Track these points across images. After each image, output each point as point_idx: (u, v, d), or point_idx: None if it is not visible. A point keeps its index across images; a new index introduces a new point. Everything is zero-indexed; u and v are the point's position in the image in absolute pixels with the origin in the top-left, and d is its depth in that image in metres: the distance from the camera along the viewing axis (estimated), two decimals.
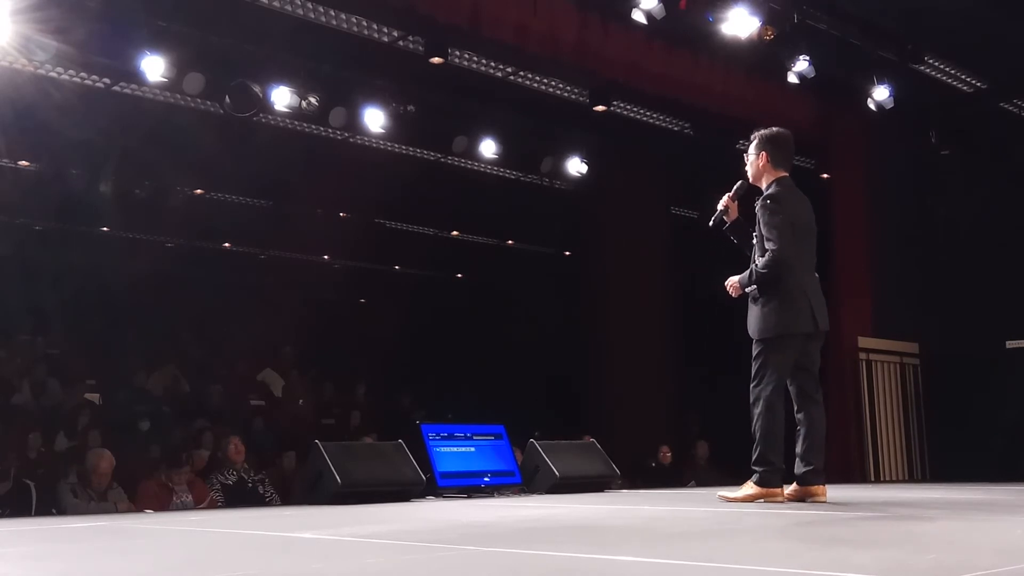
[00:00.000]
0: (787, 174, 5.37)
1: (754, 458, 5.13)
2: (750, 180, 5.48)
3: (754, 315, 5.23)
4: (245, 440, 8.49)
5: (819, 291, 5.29)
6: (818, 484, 5.14)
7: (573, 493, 6.99)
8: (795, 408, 5.26)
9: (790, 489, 5.18)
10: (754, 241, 5.31)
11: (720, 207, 5.55)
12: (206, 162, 10.08)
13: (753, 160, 5.43)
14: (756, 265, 5.20)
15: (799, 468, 5.16)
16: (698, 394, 11.95)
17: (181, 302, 13.01)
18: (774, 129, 5.48)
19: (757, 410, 5.11)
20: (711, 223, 5.61)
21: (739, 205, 5.56)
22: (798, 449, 5.19)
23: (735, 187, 5.56)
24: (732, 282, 5.29)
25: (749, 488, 5.14)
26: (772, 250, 5.11)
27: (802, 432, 5.20)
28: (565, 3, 8.15)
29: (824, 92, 9.59)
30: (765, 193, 5.29)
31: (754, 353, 5.20)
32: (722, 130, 10.04)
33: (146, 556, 3.44)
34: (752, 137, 5.48)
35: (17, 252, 11.56)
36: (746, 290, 5.24)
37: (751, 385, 5.18)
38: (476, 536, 3.67)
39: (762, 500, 5.07)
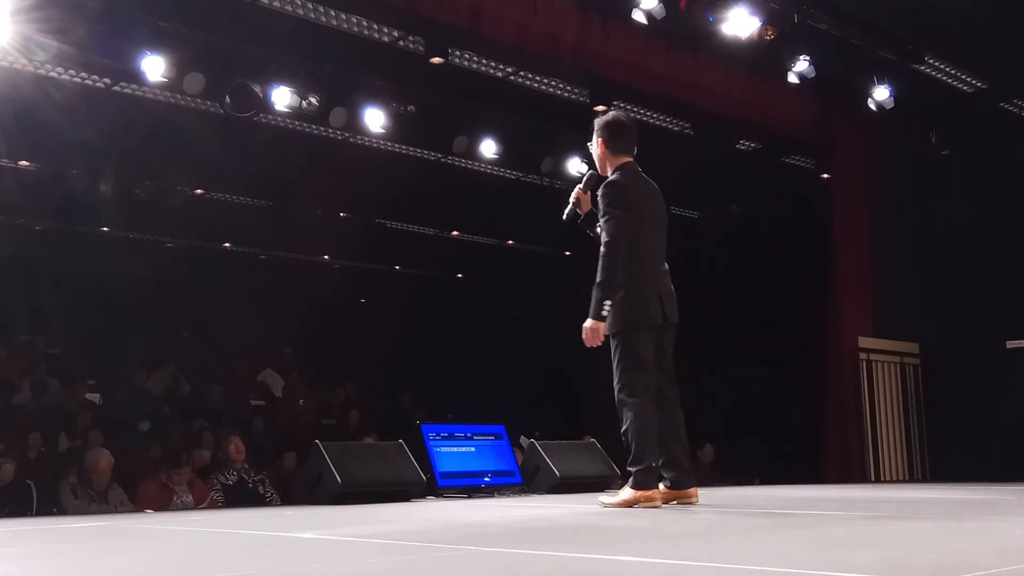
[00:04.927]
0: (630, 159, 5.13)
1: (629, 460, 4.79)
2: (598, 170, 5.24)
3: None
4: (245, 440, 8.50)
5: (668, 282, 5.05)
6: (691, 486, 4.97)
7: (573, 493, 6.99)
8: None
9: (661, 491, 4.93)
10: (599, 230, 5.04)
11: (571, 200, 5.31)
12: (206, 162, 10.08)
13: (594, 148, 5.20)
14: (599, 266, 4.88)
15: (670, 471, 4.93)
16: (697, 393, 11.93)
17: (181, 302, 13.00)
18: (610, 114, 5.27)
19: (625, 410, 4.79)
20: (564, 217, 5.35)
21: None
22: (668, 451, 4.94)
23: (584, 177, 5.35)
24: (587, 327, 4.82)
25: (626, 492, 4.81)
26: (611, 233, 4.86)
27: (667, 433, 4.94)
28: (565, 3, 8.15)
29: (824, 92, 9.57)
30: (606, 180, 5.05)
31: (612, 350, 4.89)
32: (722, 130, 10.03)
33: (146, 556, 3.44)
34: (592, 125, 5.23)
35: (17, 252, 11.55)
36: (604, 308, 4.80)
37: (615, 384, 4.85)
38: (476, 536, 3.67)
39: (640, 504, 4.73)
